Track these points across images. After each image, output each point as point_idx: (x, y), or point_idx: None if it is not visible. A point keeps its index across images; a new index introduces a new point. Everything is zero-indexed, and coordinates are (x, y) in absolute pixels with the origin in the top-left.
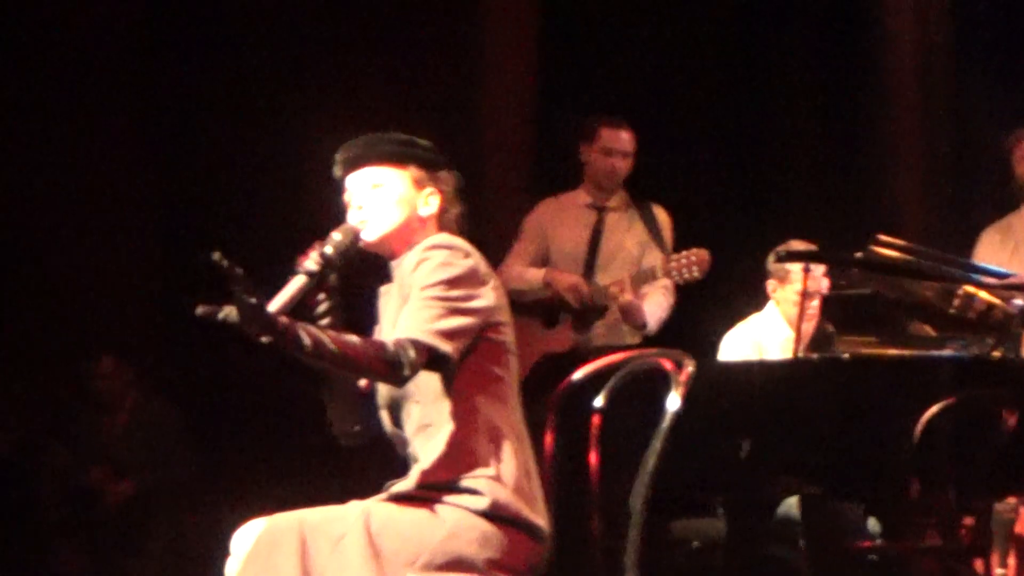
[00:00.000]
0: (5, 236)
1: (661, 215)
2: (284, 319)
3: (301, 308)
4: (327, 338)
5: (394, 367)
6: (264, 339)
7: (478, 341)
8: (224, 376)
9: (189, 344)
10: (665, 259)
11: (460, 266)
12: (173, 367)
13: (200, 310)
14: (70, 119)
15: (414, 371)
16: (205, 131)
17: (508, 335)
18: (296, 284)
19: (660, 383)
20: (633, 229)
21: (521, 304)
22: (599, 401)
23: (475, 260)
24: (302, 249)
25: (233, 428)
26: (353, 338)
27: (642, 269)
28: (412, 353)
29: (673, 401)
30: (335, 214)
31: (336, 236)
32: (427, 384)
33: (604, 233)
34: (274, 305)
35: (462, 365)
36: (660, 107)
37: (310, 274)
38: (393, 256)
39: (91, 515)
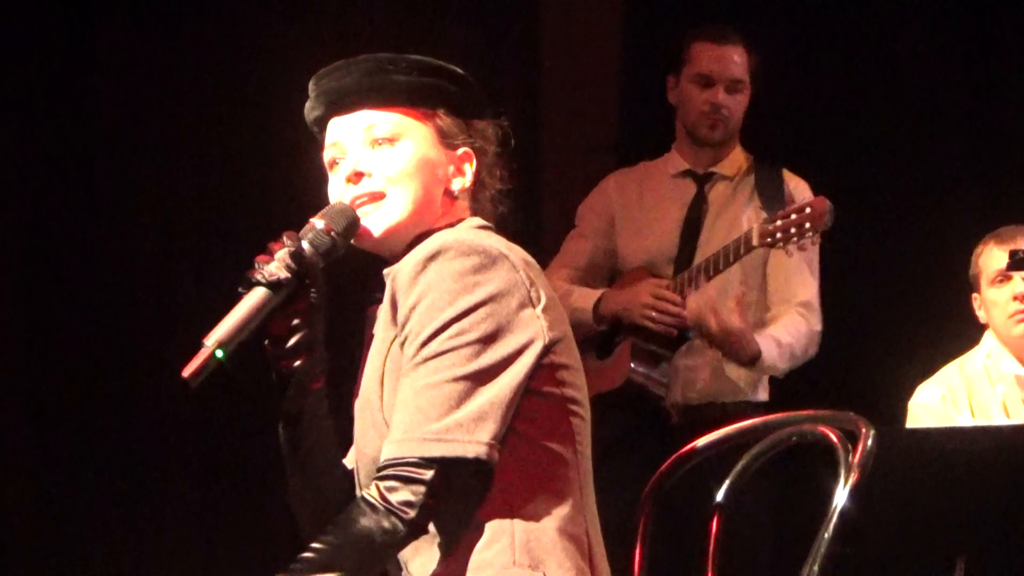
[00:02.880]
0: None
1: (796, 186)
2: None
3: (258, 340)
4: None
5: (389, 533)
6: None
7: (526, 397)
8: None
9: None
10: (765, 220)
11: (484, 283)
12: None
13: None
14: None
15: (427, 512)
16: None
17: (572, 383)
18: (250, 303)
19: (819, 465)
20: (747, 207)
21: None
22: (721, 493)
23: (510, 268)
24: (262, 244)
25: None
26: (327, 541)
27: (731, 241)
28: (410, 491)
29: (842, 495)
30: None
31: (318, 224)
32: None
33: (708, 214)
34: (215, 336)
35: None
36: (792, 28)
37: (275, 286)
38: (399, 257)
39: None
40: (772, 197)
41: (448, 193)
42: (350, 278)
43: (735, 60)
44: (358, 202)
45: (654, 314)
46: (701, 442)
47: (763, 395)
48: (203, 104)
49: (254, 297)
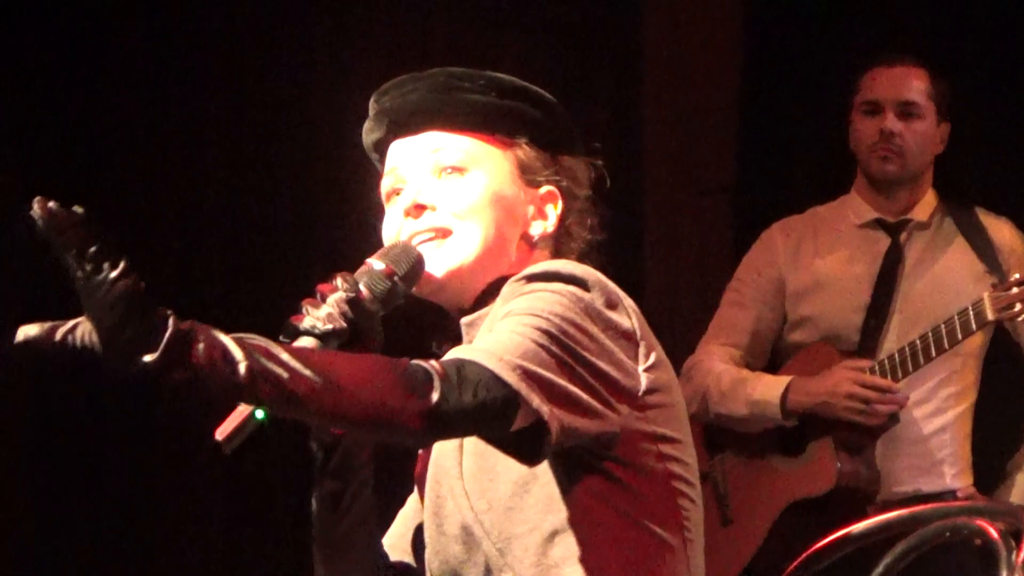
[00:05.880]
0: None
1: (999, 229)
2: (187, 323)
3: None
4: (284, 352)
5: (413, 391)
6: (148, 362)
7: (618, 467)
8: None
9: None
10: (996, 287)
11: (595, 314)
12: None
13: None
14: None
15: (457, 417)
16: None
17: (680, 459)
18: None
19: (978, 566)
20: (955, 257)
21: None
22: None
23: (625, 313)
24: (308, 287)
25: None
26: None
27: (953, 316)
28: (454, 380)
29: None
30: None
31: (377, 265)
32: (526, 541)
33: (904, 270)
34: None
35: (588, 514)
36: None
37: (327, 337)
38: (463, 308)
39: None
40: (981, 246)
41: (526, 238)
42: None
43: (908, 82)
44: (418, 239)
45: (863, 407)
46: (833, 540)
47: (968, 479)
48: (236, 124)
49: None
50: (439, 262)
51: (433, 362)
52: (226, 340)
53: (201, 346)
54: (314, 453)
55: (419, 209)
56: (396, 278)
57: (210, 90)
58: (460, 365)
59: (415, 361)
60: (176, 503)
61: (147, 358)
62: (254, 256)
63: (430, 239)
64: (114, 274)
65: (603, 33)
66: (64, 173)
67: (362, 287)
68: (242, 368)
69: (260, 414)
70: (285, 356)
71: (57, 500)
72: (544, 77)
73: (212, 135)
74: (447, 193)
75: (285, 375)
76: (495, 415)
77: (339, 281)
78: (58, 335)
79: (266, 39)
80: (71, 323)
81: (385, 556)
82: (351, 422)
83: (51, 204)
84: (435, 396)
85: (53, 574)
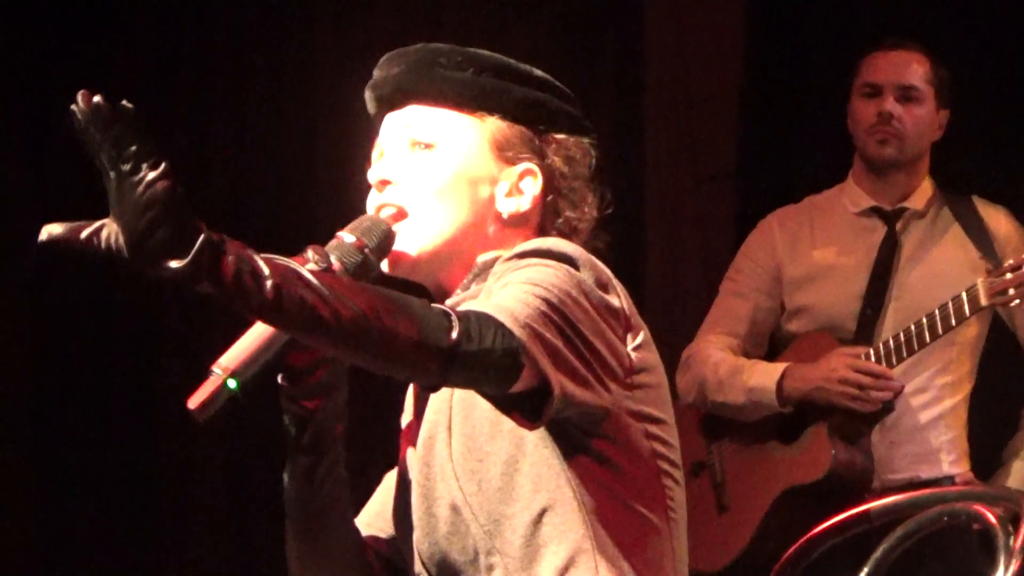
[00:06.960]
0: None
1: (995, 218)
2: (215, 235)
3: (272, 374)
4: (311, 276)
5: (432, 328)
6: (175, 268)
7: (606, 445)
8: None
9: None
10: (990, 273)
11: (588, 291)
12: None
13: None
14: None
15: (469, 360)
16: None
17: (663, 439)
18: (261, 333)
19: (976, 550)
20: (951, 246)
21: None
22: None
23: (616, 295)
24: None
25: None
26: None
27: (947, 302)
28: (470, 325)
29: None
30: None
31: (347, 238)
32: (514, 522)
33: (901, 258)
34: (227, 363)
35: (576, 494)
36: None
37: None
38: (441, 289)
39: None
40: (978, 235)
41: (499, 215)
42: None
43: (908, 66)
44: (383, 213)
45: (857, 392)
46: (831, 525)
47: (965, 466)
48: (240, 105)
49: (266, 327)
50: (408, 240)
51: (451, 309)
52: (256, 257)
53: (230, 259)
54: (287, 428)
55: (383, 184)
56: (367, 250)
57: (215, 79)
58: (475, 314)
59: (433, 304)
60: (178, 497)
61: (174, 264)
62: (255, 234)
63: (392, 214)
64: (152, 175)
65: (605, 20)
66: (72, 160)
67: (334, 260)
68: (268, 285)
69: (233, 384)
70: (312, 279)
71: (57, 498)
72: (547, 64)
73: (217, 116)
74: (412, 169)
75: (310, 297)
76: (504, 367)
77: (310, 253)
78: (83, 235)
79: (270, 30)
80: (97, 224)
81: (358, 533)
82: (368, 353)
83: (96, 98)
84: (453, 335)
85: (55, 569)
